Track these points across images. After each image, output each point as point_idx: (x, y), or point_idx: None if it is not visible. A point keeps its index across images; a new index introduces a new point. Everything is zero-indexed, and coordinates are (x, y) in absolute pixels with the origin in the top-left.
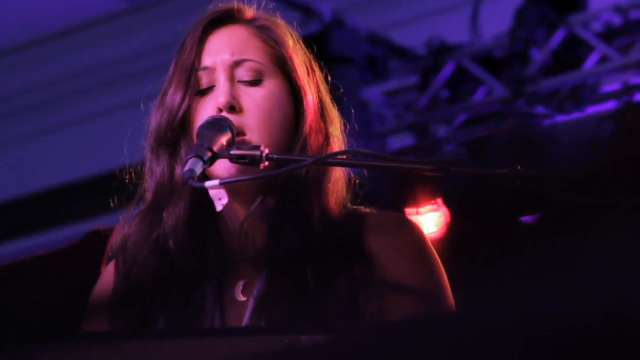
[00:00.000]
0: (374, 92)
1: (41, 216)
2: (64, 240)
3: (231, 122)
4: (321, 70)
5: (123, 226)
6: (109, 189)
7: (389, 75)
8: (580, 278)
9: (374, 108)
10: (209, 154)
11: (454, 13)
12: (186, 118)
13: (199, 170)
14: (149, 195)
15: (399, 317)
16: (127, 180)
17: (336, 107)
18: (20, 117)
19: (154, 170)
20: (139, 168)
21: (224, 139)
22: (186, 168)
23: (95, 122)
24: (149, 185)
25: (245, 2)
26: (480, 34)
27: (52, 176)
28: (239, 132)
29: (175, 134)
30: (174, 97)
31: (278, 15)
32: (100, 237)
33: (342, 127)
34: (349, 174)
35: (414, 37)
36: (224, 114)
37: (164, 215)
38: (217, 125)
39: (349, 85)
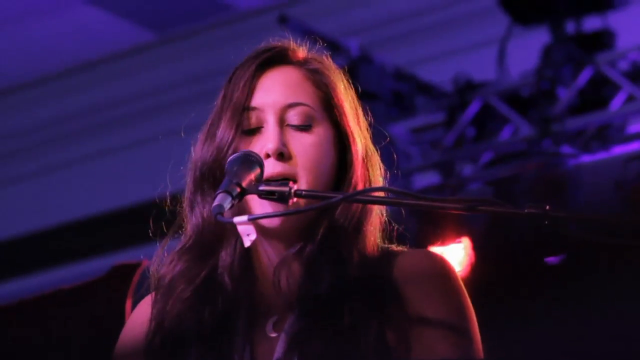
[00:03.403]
0: (400, 129)
1: (65, 249)
2: (89, 274)
3: (260, 157)
4: (365, 112)
5: (163, 260)
6: (136, 221)
7: (415, 111)
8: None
9: (399, 145)
10: (238, 189)
11: (481, 50)
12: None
13: (227, 205)
14: (191, 230)
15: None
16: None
17: (378, 152)
18: (52, 146)
19: (199, 207)
20: (169, 201)
21: (253, 175)
22: (215, 203)
23: (127, 153)
24: (193, 221)
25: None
26: (507, 71)
27: (76, 209)
28: (289, 179)
29: (221, 170)
30: (224, 133)
31: (329, 57)
32: (126, 272)
33: (383, 173)
34: (384, 211)
35: (440, 74)
36: (272, 159)
37: (222, 253)
38: (246, 160)
39: (375, 121)
